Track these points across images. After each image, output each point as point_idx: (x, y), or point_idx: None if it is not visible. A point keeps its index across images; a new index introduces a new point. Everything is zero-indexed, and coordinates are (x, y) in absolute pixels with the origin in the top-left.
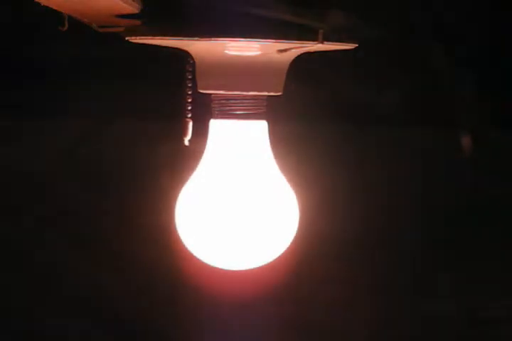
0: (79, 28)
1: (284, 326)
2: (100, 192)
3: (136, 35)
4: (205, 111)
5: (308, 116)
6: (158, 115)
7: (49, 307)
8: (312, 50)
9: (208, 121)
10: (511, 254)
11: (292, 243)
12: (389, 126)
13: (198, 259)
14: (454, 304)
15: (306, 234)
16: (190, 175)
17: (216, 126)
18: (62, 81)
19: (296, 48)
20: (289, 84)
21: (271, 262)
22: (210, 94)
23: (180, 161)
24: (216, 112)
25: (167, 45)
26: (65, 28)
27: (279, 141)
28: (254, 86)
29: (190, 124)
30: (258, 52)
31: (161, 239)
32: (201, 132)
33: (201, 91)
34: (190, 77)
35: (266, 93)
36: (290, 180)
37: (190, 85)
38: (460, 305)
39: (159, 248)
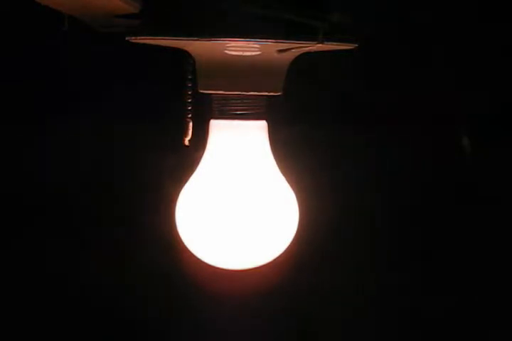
0: (79, 28)
1: (284, 326)
2: (100, 191)
3: (136, 35)
4: (205, 111)
5: (308, 116)
6: (158, 115)
7: (48, 307)
8: (312, 50)
9: (208, 121)
10: (500, 256)
11: (292, 243)
12: (389, 126)
13: (198, 259)
14: (448, 297)
15: (305, 233)
16: (190, 175)
17: (216, 126)
18: (62, 81)
19: (296, 48)
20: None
21: (271, 262)
22: (210, 94)
23: (180, 161)
24: (216, 112)
25: (167, 45)
26: (65, 27)
27: (279, 141)
28: (254, 86)
29: (190, 124)
30: (258, 52)
31: (161, 238)
32: (201, 132)
33: (201, 91)
34: (190, 77)
35: (266, 93)
36: (290, 180)
37: (190, 85)
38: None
39: (159, 247)
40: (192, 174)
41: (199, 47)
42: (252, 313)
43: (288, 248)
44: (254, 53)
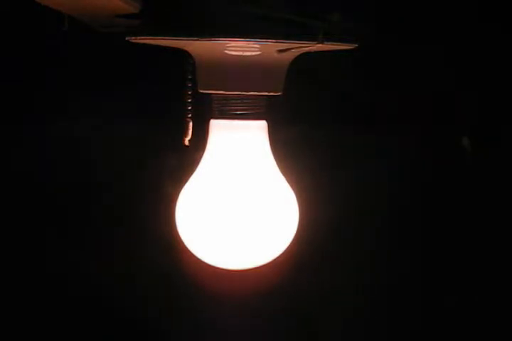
0: (79, 28)
1: (284, 326)
2: (100, 192)
3: (136, 35)
4: (205, 111)
5: (308, 116)
6: (157, 115)
7: (48, 307)
8: (312, 50)
9: (208, 121)
10: (500, 256)
11: (292, 243)
12: (389, 126)
13: (198, 259)
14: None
15: (305, 233)
16: (190, 175)
17: (216, 126)
18: (62, 81)
19: (296, 48)
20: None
21: (271, 262)
22: (210, 94)
23: (180, 161)
24: (216, 112)
25: (167, 45)
26: (65, 27)
27: (279, 141)
28: (254, 86)
29: (190, 124)
30: (258, 52)
31: (161, 238)
32: (201, 132)
33: (201, 91)
34: (190, 77)
35: (266, 93)
36: (290, 180)
37: (190, 85)
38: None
39: (159, 247)
40: (192, 174)
41: (199, 47)
42: (252, 313)
43: (288, 248)
44: (254, 53)
